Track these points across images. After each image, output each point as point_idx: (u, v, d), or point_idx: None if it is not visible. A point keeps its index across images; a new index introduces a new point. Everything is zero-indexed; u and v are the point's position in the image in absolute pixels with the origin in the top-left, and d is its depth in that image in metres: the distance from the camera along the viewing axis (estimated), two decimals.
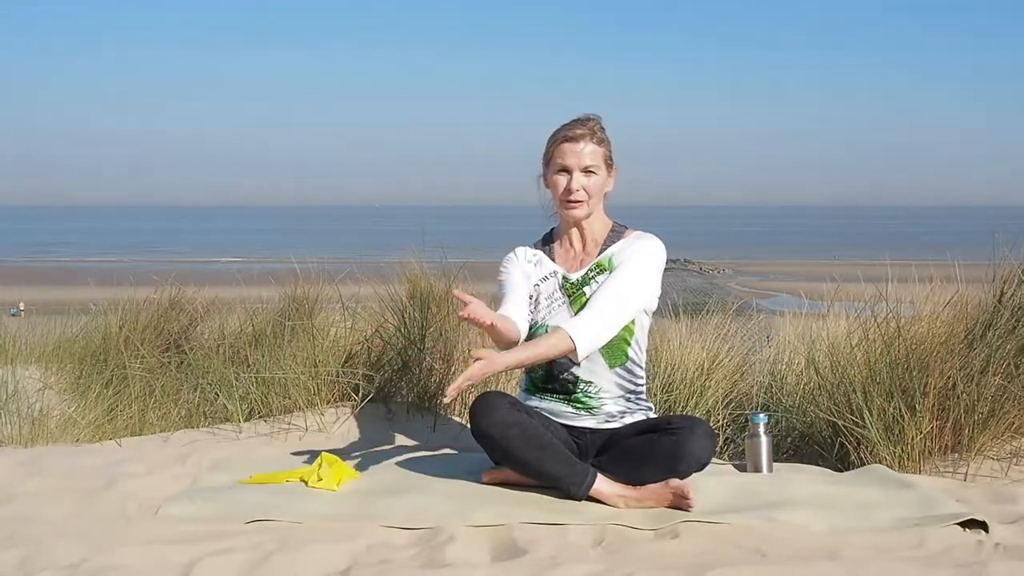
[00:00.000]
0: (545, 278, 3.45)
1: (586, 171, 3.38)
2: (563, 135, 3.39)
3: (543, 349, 3.22)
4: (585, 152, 3.37)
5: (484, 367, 3.06)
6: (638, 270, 3.35)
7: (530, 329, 3.42)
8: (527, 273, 3.47)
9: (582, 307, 3.35)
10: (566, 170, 3.38)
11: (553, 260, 3.48)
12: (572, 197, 3.38)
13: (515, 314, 3.34)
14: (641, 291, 3.34)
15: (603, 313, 3.27)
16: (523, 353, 3.21)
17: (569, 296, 3.40)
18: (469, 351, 4.58)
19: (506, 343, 3.24)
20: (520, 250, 3.54)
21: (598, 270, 3.40)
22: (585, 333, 3.23)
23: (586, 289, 3.38)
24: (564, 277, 3.43)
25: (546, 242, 3.55)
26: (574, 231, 3.47)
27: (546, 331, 3.35)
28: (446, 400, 3.03)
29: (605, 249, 3.44)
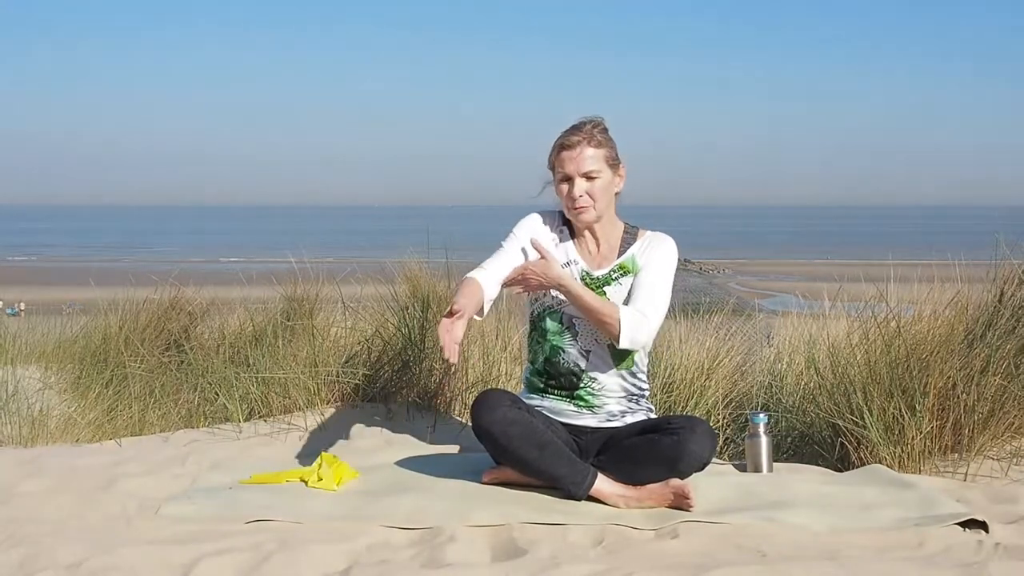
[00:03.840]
0: (565, 264, 3.44)
1: (587, 176, 3.37)
2: (560, 143, 3.40)
3: (594, 304, 3.26)
4: (583, 158, 3.36)
5: (544, 267, 3.28)
6: (665, 276, 3.37)
7: (542, 311, 3.43)
8: (543, 238, 3.46)
9: None
10: (568, 178, 3.39)
11: (575, 248, 3.48)
12: (577, 204, 3.38)
13: (492, 277, 3.36)
14: (668, 298, 3.39)
15: (649, 316, 3.29)
16: (582, 290, 3.28)
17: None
18: (468, 352, 4.58)
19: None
20: (547, 216, 3.51)
21: (621, 272, 3.41)
22: (629, 324, 3.26)
23: (607, 289, 3.38)
24: (586, 271, 3.43)
25: (567, 235, 3.51)
26: (588, 235, 3.47)
27: (560, 319, 3.39)
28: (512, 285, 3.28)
29: (624, 251, 3.44)
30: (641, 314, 3.28)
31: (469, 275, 3.35)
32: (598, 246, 3.46)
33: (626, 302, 3.34)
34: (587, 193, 3.37)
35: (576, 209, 3.39)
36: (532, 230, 3.48)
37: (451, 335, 3.05)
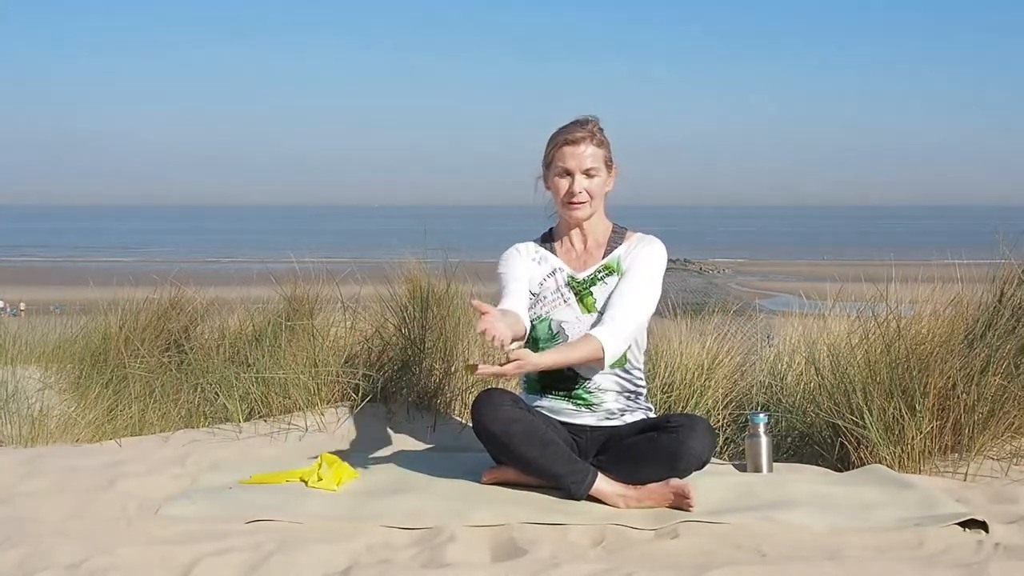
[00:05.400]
0: (551, 274, 3.46)
1: (587, 173, 3.39)
2: (563, 138, 3.41)
3: (577, 356, 3.26)
4: (586, 154, 3.38)
5: (519, 367, 3.09)
6: (649, 277, 3.38)
7: (533, 321, 3.44)
8: (529, 269, 3.48)
9: (588, 306, 3.39)
10: (568, 172, 3.40)
11: (556, 257, 3.50)
12: (575, 199, 3.39)
13: (519, 309, 3.36)
14: (653, 298, 3.39)
15: (626, 323, 3.30)
16: (557, 356, 3.23)
17: (576, 294, 3.41)
18: (468, 352, 4.58)
19: (516, 340, 3.26)
20: (521, 246, 3.55)
21: (607, 271, 3.42)
22: (612, 344, 3.26)
23: (594, 289, 3.40)
24: (571, 276, 3.44)
25: (546, 240, 3.57)
26: (575, 232, 3.49)
27: (549, 326, 3.40)
28: (477, 372, 2.99)
29: (610, 251, 3.45)
30: (614, 324, 3.28)
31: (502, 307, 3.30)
32: (584, 244, 3.48)
33: (607, 302, 3.35)
34: (586, 190, 3.38)
35: (572, 204, 3.40)
36: (519, 258, 3.49)
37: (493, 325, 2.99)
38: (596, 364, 3.31)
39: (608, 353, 3.26)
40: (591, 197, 3.40)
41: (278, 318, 4.85)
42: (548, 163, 3.46)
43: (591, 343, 3.25)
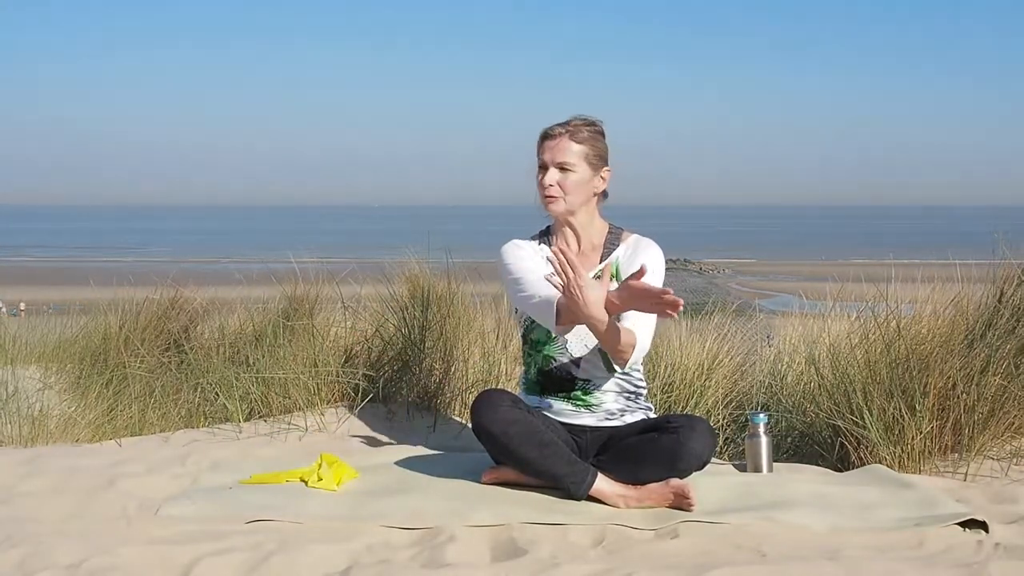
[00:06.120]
0: (554, 273, 3.44)
1: (561, 167, 3.37)
2: (544, 132, 3.43)
3: (618, 335, 3.17)
4: (560, 148, 3.37)
5: (584, 280, 3.03)
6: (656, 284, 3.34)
7: (531, 323, 3.41)
8: (538, 263, 3.44)
9: None
10: (543, 166, 3.40)
11: None
12: (545, 192, 3.39)
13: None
14: None
15: (647, 331, 3.28)
16: (610, 321, 3.12)
17: None
18: (468, 352, 4.58)
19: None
20: (521, 242, 3.52)
21: (608, 277, 3.40)
22: (639, 351, 3.25)
23: None
24: None
25: (543, 238, 3.55)
26: (567, 231, 3.47)
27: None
28: (554, 251, 3.04)
29: (608, 253, 3.44)
30: (642, 335, 3.26)
31: (548, 297, 3.23)
32: (579, 244, 3.47)
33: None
34: (558, 184, 3.37)
35: (544, 198, 3.40)
36: (524, 254, 3.44)
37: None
38: (617, 359, 3.26)
39: (633, 356, 3.24)
40: (564, 192, 3.38)
41: (278, 318, 4.85)
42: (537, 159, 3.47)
43: (630, 337, 3.20)
